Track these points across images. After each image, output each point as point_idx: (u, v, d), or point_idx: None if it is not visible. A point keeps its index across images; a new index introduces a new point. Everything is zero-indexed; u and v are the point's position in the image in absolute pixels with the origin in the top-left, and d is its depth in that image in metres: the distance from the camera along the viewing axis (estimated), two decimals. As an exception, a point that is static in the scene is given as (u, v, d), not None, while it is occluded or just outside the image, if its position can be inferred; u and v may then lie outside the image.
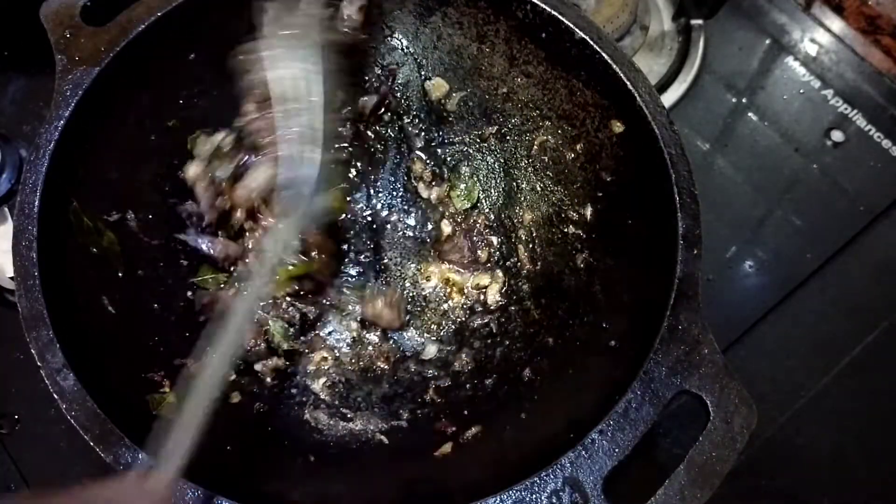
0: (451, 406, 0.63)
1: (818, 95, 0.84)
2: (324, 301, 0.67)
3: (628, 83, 0.56)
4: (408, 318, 0.68)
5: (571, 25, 0.58)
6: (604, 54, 0.57)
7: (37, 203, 0.51)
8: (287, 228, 0.57)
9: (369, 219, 0.72)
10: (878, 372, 0.71)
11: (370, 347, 0.67)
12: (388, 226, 0.72)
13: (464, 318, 0.68)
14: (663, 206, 0.53)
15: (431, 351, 0.66)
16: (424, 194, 0.72)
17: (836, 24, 0.88)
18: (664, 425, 0.66)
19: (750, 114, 0.84)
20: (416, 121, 0.73)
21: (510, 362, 0.64)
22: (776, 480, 0.67)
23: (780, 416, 0.69)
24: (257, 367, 0.63)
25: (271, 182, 0.60)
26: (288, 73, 0.55)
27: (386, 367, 0.66)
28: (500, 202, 0.72)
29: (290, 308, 0.66)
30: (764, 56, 0.87)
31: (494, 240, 0.71)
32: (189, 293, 0.64)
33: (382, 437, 0.61)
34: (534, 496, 0.44)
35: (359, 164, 0.73)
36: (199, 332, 0.59)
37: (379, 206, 0.72)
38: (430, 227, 0.72)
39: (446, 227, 0.71)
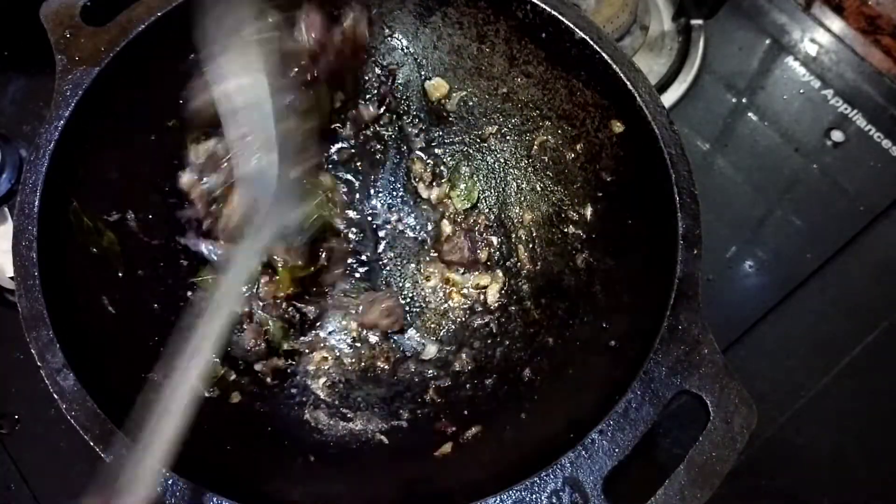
0: (451, 406, 0.63)
1: (818, 95, 0.84)
2: (324, 301, 0.67)
3: (628, 83, 0.56)
4: (407, 317, 0.68)
5: (571, 25, 0.58)
6: (604, 54, 0.57)
7: (37, 203, 0.51)
8: (249, 246, 0.52)
9: (369, 219, 0.72)
10: (878, 372, 0.71)
11: (370, 347, 0.67)
12: (388, 226, 0.72)
13: (464, 318, 0.68)
14: (663, 206, 0.53)
15: (431, 351, 0.66)
16: (424, 194, 0.72)
17: (836, 24, 0.88)
18: (664, 425, 0.66)
19: (750, 114, 0.84)
20: (416, 121, 0.73)
21: (510, 362, 0.64)
22: (776, 480, 0.67)
23: (780, 416, 0.69)
24: (257, 367, 0.63)
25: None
26: (236, 89, 0.52)
27: (386, 367, 0.66)
28: (501, 202, 0.72)
29: (290, 308, 0.66)
30: (764, 56, 0.87)
31: (494, 240, 0.71)
32: (189, 293, 0.64)
33: (382, 437, 0.61)
34: (534, 496, 0.44)
35: (359, 164, 0.73)
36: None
37: (379, 206, 0.72)
38: (430, 227, 0.72)
39: (446, 227, 0.71)
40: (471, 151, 0.73)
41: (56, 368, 0.47)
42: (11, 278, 0.55)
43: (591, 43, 0.58)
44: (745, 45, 0.87)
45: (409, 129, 0.73)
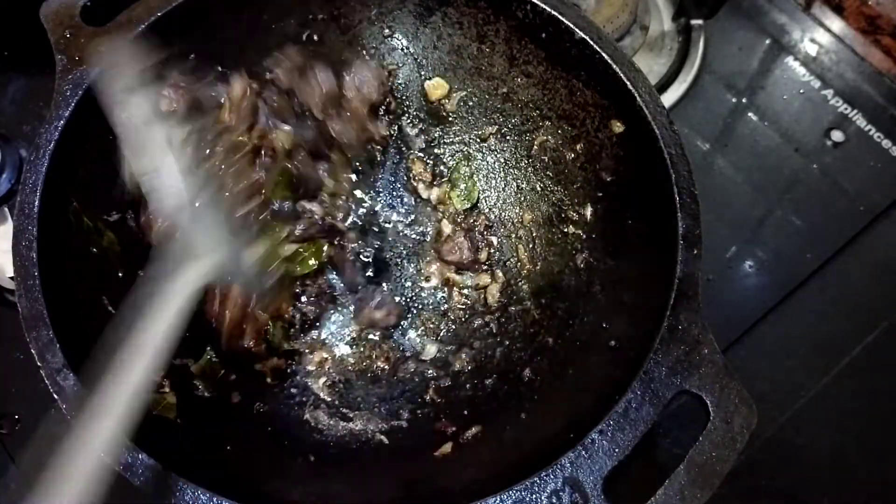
0: (451, 406, 0.63)
1: (818, 95, 0.84)
2: (324, 301, 0.67)
3: (628, 83, 0.56)
4: (405, 314, 0.68)
5: (571, 25, 0.58)
6: (604, 54, 0.57)
7: (37, 203, 0.51)
8: (184, 276, 0.46)
9: (369, 219, 0.72)
10: (878, 372, 0.71)
11: (370, 347, 0.67)
12: (389, 226, 0.72)
13: (464, 318, 0.68)
14: (663, 206, 0.53)
15: (431, 351, 0.66)
16: (424, 194, 0.72)
17: (836, 24, 0.88)
18: (664, 425, 0.66)
19: (750, 114, 0.84)
20: (416, 121, 0.73)
21: (510, 362, 0.64)
22: (776, 480, 0.67)
23: (780, 416, 0.69)
24: (257, 366, 0.63)
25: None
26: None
27: (386, 367, 0.66)
28: (500, 202, 0.72)
29: (291, 308, 0.66)
30: (764, 56, 0.87)
31: (494, 240, 0.71)
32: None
33: (382, 437, 0.61)
34: (534, 496, 0.44)
35: (359, 164, 0.73)
36: (200, 333, 0.59)
37: (379, 206, 0.72)
38: (430, 227, 0.72)
39: (446, 227, 0.71)
40: (471, 151, 0.73)
41: (56, 368, 0.46)
42: (11, 278, 0.55)
43: (591, 43, 0.58)
44: (745, 45, 0.87)
45: (409, 130, 0.73)
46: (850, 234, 0.77)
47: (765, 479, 0.67)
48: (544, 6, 0.59)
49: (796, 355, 0.72)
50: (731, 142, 0.82)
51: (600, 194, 0.63)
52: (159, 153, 0.45)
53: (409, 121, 0.73)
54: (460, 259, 0.69)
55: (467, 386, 0.64)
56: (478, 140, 0.72)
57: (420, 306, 0.69)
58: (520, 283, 0.68)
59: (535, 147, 0.68)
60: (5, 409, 0.68)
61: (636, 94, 0.56)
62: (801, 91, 0.85)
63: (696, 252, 0.50)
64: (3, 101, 0.82)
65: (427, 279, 0.70)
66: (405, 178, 0.73)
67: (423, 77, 0.71)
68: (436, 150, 0.73)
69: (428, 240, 0.71)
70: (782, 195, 0.79)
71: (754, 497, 0.67)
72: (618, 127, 0.60)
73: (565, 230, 0.66)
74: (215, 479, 0.45)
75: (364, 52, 0.70)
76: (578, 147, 0.65)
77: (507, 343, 0.66)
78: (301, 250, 0.66)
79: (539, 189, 0.69)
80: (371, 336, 0.67)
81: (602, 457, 0.45)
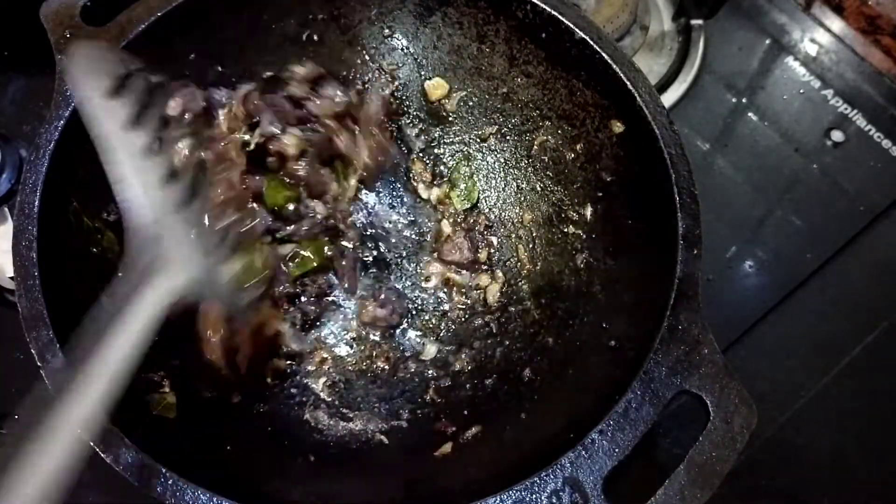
0: (451, 406, 0.63)
1: (818, 95, 0.84)
2: (324, 301, 0.67)
3: (628, 83, 0.56)
4: (406, 312, 0.68)
5: (571, 25, 0.58)
6: (604, 54, 0.57)
7: (37, 203, 0.51)
8: (151, 293, 0.42)
9: (370, 219, 0.72)
10: (878, 372, 0.71)
11: (370, 347, 0.67)
12: (389, 226, 0.72)
13: (464, 318, 0.68)
14: (663, 206, 0.53)
15: (431, 351, 0.66)
16: (424, 195, 0.72)
17: (836, 24, 0.88)
18: (664, 425, 0.66)
19: (750, 114, 0.84)
20: (416, 121, 0.73)
21: (510, 362, 0.64)
22: (776, 480, 0.67)
23: (780, 416, 0.69)
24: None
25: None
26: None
27: (386, 367, 0.66)
28: (500, 202, 0.72)
29: (292, 308, 0.66)
30: (764, 56, 0.87)
31: (494, 240, 0.71)
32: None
33: (382, 437, 0.61)
34: (534, 496, 0.44)
35: (364, 172, 0.72)
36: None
37: (379, 206, 0.72)
38: (430, 227, 0.72)
39: (446, 227, 0.71)
40: (471, 151, 0.73)
41: (56, 368, 0.46)
42: (11, 278, 0.55)
43: (591, 43, 0.58)
44: (745, 45, 0.87)
45: (409, 130, 0.73)
46: (850, 234, 0.77)
47: (765, 479, 0.67)
48: (544, 6, 0.59)
49: (796, 355, 0.72)
50: (731, 142, 0.82)
51: (600, 194, 0.63)
52: (134, 161, 0.44)
53: (409, 121, 0.73)
54: (460, 259, 0.69)
55: (467, 386, 0.64)
56: (478, 140, 0.72)
57: (420, 306, 0.69)
58: (520, 283, 0.68)
59: (535, 147, 0.68)
60: (5, 409, 0.68)
61: (636, 94, 0.56)
62: (801, 91, 0.85)
63: (696, 252, 0.50)
64: (3, 101, 0.82)
65: (427, 279, 0.70)
66: (405, 179, 0.73)
67: (423, 77, 0.71)
68: (436, 150, 0.73)
69: (428, 240, 0.71)
70: (782, 195, 0.79)
71: (754, 497, 0.67)
72: (618, 127, 0.60)
73: (565, 230, 0.66)
74: (215, 479, 0.45)
75: (364, 52, 0.70)
76: (578, 147, 0.65)
77: (507, 343, 0.66)
78: (300, 250, 0.66)
79: (539, 189, 0.69)
80: (371, 336, 0.67)
81: (602, 457, 0.45)
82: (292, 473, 0.56)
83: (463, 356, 0.66)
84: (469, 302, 0.69)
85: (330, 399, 0.64)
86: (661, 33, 0.88)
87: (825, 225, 0.78)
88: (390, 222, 0.72)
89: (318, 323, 0.67)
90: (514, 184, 0.71)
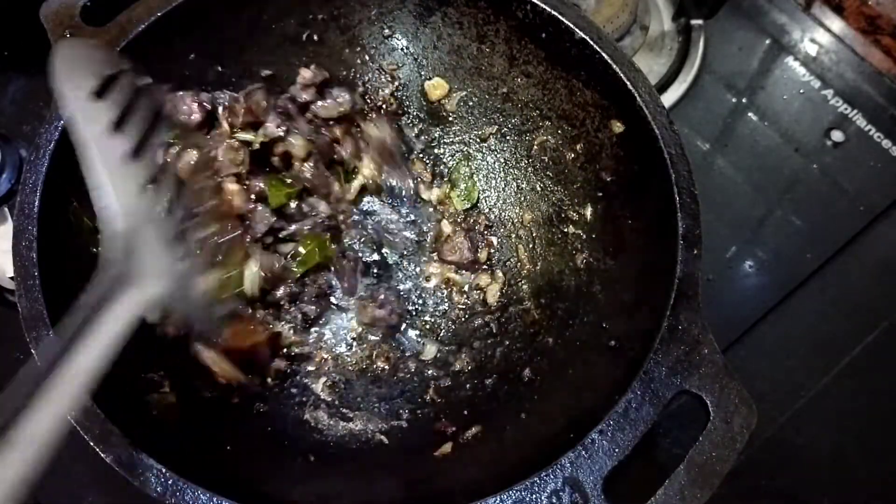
0: (451, 406, 0.63)
1: (818, 95, 0.84)
2: (324, 301, 0.67)
3: (628, 83, 0.56)
4: (405, 312, 0.68)
5: (571, 25, 0.58)
6: (604, 54, 0.57)
7: (37, 203, 0.51)
8: (122, 303, 0.40)
9: (370, 219, 0.72)
10: (878, 372, 0.71)
11: (370, 347, 0.67)
12: (389, 226, 0.72)
13: (464, 318, 0.68)
14: (663, 206, 0.53)
15: (431, 351, 0.66)
16: (425, 195, 0.72)
17: (836, 24, 0.88)
18: (664, 425, 0.66)
19: (750, 114, 0.84)
20: (416, 121, 0.73)
21: (510, 362, 0.64)
22: (776, 480, 0.67)
23: (780, 416, 0.69)
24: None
25: None
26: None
27: (386, 367, 0.66)
28: (500, 202, 0.72)
29: (293, 308, 0.66)
30: (764, 56, 0.87)
31: (494, 240, 0.71)
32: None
33: (382, 437, 0.61)
34: (534, 496, 0.44)
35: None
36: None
37: (379, 206, 0.72)
38: (430, 227, 0.72)
39: (446, 227, 0.71)
40: (471, 151, 0.73)
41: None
42: (11, 278, 0.55)
43: (591, 43, 0.58)
44: (745, 45, 0.87)
45: (409, 130, 0.73)
46: (850, 234, 0.77)
47: (765, 479, 0.67)
48: (544, 6, 0.59)
49: (796, 355, 0.72)
50: (731, 142, 0.82)
51: (600, 194, 0.63)
52: (114, 167, 0.43)
53: (409, 121, 0.73)
54: (460, 259, 0.69)
55: (467, 386, 0.64)
56: (478, 140, 0.72)
57: (420, 306, 0.69)
58: (520, 283, 0.68)
59: (535, 147, 0.68)
60: (5, 409, 0.68)
61: (636, 94, 0.56)
62: (801, 91, 0.85)
63: (696, 252, 0.50)
64: (3, 101, 0.82)
65: (427, 279, 0.70)
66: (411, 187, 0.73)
67: (423, 77, 0.71)
68: (436, 150, 0.73)
69: (428, 240, 0.71)
70: (782, 195, 0.79)
71: (754, 497, 0.67)
72: (618, 127, 0.60)
73: (565, 230, 0.66)
74: (215, 479, 0.45)
75: (364, 52, 0.70)
76: (578, 147, 0.65)
77: (507, 343, 0.66)
78: (301, 249, 0.66)
79: (539, 189, 0.69)
80: (371, 336, 0.67)
81: (602, 457, 0.45)
82: (292, 473, 0.56)
83: (463, 356, 0.66)
84: (469, 302, 0.69)
85: (330, 399, 0.64)
86: (661, 33, 0.88)
87: (825, 225, 0.78)
88: (391, 222, 0.72)
89: (318, 323, 0.67)
90: (514, 184, 0.71)
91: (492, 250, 0.70)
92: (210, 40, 0.63)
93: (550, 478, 0.44)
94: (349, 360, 0.66)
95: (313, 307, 0.66)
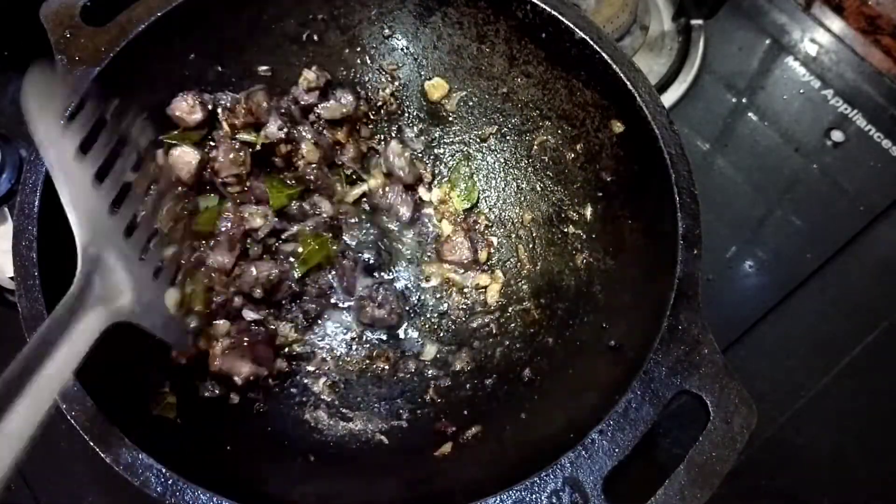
0: (451, 406, 0.63)
1: (818, 95, 0.84)
2: (324, 301, 0.67)
3: (628, 83, 0.56)
4: (405, 312, 0.68)
5: (571, 25, 0.58)
6: (604, 54, 0.57)
7: (37, 203, 0.51)
8: (87, 317, 0.42)
9: (370, 219, 0.72)
10: (878, 372, 0.71)
11: (370, 347, 0.67)
12: (389, 226, 0.72)
13: (464, 318, 0.68)
14: (663, 206, 0.53)
15: (431, 351, 0.66)
16: (425, 195, 0.72)
17: (836, 24, 0.89)
18: (664, 425, 0.66)
19: (750, 114, 0.84)
20: (416, 121, 0.73)
21: (510, 362, 0.64)
22: (776, 480, 0.67)
23: (780, 416, 0.69)
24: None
25: None
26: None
27: (386, 366, 0.66)
28: (500, 202, 0.72)
29: (294, 307, 0.66)
30: (764, 56, 0.87)
31: (494, 240, 0.71)
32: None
33: (382, 437, 0.61)
34: (534, 496, 0.44)
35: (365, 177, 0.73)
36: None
37: (379, 206, 0.72)
38: (430, 227, 0.72)
39: (446, 227, 0.71)
40: (471, 151, 0.73)
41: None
42: (11, 278, 0.55)
43: (591, 43, 0.58)
44: (745, 45, 0.87)
45: (409, 130, 0.73)
46: (850, 234, 0.77)
47: (765, 479, 0.67)
48: (544, 6, 0.59)
49: (796, 355, 0.72)
50: (731, 142, 0.82)
51: (600, 194, 0.63)
52: (82, 190, 0.45)
53: (409, 121, 0.73)
54: (460, 259, 0.69)
55: (467, 386, 0.64)
56: (478, 140, 0.72)
57: (420, 306, 0.69)
58: (520, 283, 0.68)
59: (535, 147, 0.68)
60: (5, 409, 0.68)
61: (636, 94, 0.56)
62: (801, 91, 0.85)
63: (696, 252, 0.50)
64: (3, 101, 0.82)
65: (427, 279, 0.70)
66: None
67: (423, 77, 0.71)
68: (436, 150, 0.73)
69: (428, 240, 0.71)
70: (782, 195, 0.79)
71: (754, 497, 0.67)
72: (618, 127, 0.60)
73: (565, 230, 0.66)
74: (215, 479, 0.45)
75: (364, 52, 0.70)
76: (578, 147, 0.65)
77: (507, 343, 0.66)
78: (302, 249, 0.66)
79: (539, 189, 0.69)
80: (371, 336, 0.67)
81: (602, 457, 0.45)
82: (292, 473, 0.56)
83: (463, 356, 0.66)
84: (469, 302, 0.69)
85: (330, 399, 0.64)
86: (661, 33, 0.88)
87: (825, 225, 0.78)
88: (391, 222, 0.72)
89: (318, 323, 0.67)
90: (514, 184, 0.71)
91: (492, 250, 0.70)
92: (210, 40, 0.63)
93: (550, 478, 0.44)
94: (349, 360, 0.66)
95: (313, 306, 0.66)
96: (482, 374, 0.64)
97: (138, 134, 0.53)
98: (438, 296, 0.69)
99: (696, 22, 0.87)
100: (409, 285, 0.70)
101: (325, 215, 0.67)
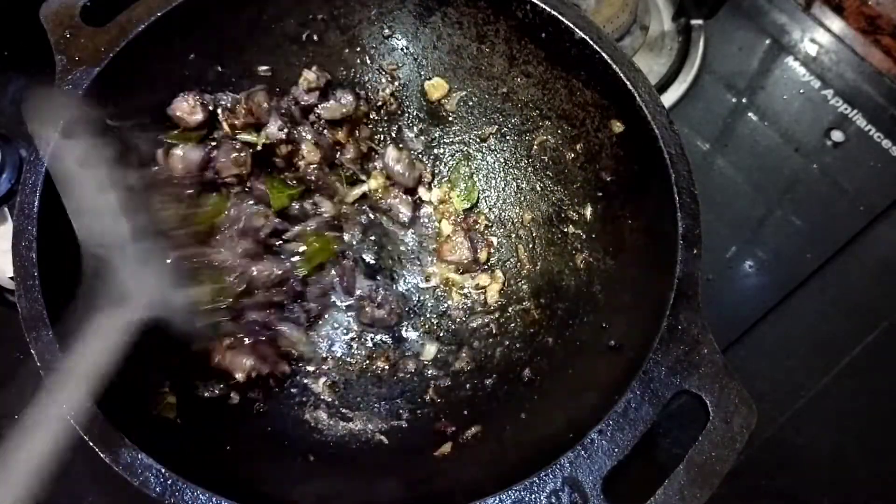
0: (451, 406, 0.63)
1: (818, 95, 0.84)
2: (325, 300, 0.67)
3: (628, 83, 0.56)
4: (404, 312, 0.68)
5: (571, 25, 0.58)
6: (604, 54, 0.57)
7: (37, 203, 0.51)
8: (107, 321, 0.44)
9: (370, 219, 0.72)
10: (878, 372, 0.71)
11: (370, 347, 0.67)
12: (389, 226, 0.72)
13: (464, 318, 0.68)
14: (663, 206, 0.53)
15: (431, 351, 0.66)
16: (425, 195, 0.72)
17: (836, 24, 0.88)
18: (664, 425, 0.66)
19: (750, 114, 0.84)
20: (416, 121, 0.73)
21: (510, 362, 0.64)
22: (776, 480, 0.67)
23: (780, 416, 0.69)
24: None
25: None
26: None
27: (386, 367, 0.66)
28: (500, 202, 0.72)
29: (296, 307, 0.66)
30: (764, 56, 0.87)
31: (494, 240, 0.71)
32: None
33: (382, 437, 0.61)
34: (533, 496, 0.44)
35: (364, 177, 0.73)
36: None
37: (379, 206, 0.72)
38: (429, 227, 0.72)
39: (446, 227, 0.71)
40: (471, 151, 0.73)
41: (56, 369, 0.46)
42: (11, 278, 0.55)
43: (591, 43, 0.58)
44: (745, 45, 0.87)
45: (409, 130, 0.73)
46: (850, 234, 0.77)
47: (765, 479, 0.67)
48: (544, 6, 0.59)
49: (796, 355, 0.72)
50: (731, 142, 0.82)
51: (600, 194, 0.63)
52: (89, 196, 0.46)
53: (409, 121, 0.73)
54: (460, 259, 0.69)
55: (467, 386, 0.64)
56: (478, 140, 0.72)
57: (420, 306, 0.69)
58: (520, 283, 0.68)
59: (535, 147, 0.68)
60: (5, 409, 0.68)
61: (636, 94, 0.56)
62: (801, 91, 0.85)
63: (696, 252, 0.50)
64: (3, 101, 0.82)
65: (427, 279, 0.70)
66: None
67: (423, 77, 0.71)
68: (436, 151, 0.73)
69: (428, 240, 0.71)
70: (782, 195, 0.79)
71: (754, 497, 0.67)
72: (618, 127, 0.60)
73: (565, 230, 0.66)
74: (215, 479, 0.45)
75: (364, 52, 0.70)
76: (578, 147, 0.65)
77: (507, 343, 0.66)
78: (305, 248, 0.66)
79: (539, 189, 0.69)
80: (371, 336, 0.67)
81: (601, 457, 0.45)
82: (292, 473, 0.56)
83: (463, 356, 0.66)
84: (469, 302, 0.69)
85: (330, 399, 0.64)
86: (661, 33, 0.88)
87: (825, 225, 0.78)
88: (391, 222, 0.72)
89: (318, 323, 0.67)
90: (514, 184, 0.71)
91: (492, 250, 0.70)
92: (210, 40, 0.63)
93: (550, 478, 0.44)
94: (349, 360, 0.66)
95: (315, 306, 0.67)
96: (482, 374, 0.64)
97: (139, 137, 0.54)
98: (438, 296, 0.69)
99: (696, 22, 0.87)
100: (409, 285, 0.70)
101: (326, 215, 0.68)
